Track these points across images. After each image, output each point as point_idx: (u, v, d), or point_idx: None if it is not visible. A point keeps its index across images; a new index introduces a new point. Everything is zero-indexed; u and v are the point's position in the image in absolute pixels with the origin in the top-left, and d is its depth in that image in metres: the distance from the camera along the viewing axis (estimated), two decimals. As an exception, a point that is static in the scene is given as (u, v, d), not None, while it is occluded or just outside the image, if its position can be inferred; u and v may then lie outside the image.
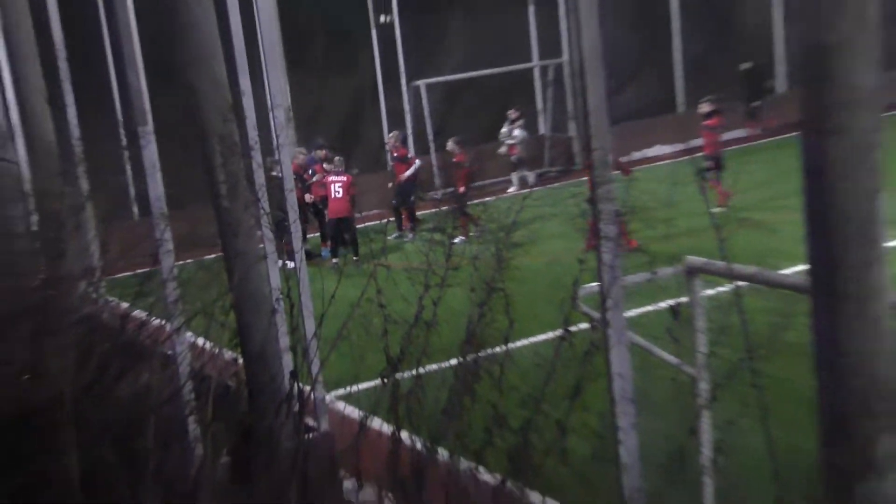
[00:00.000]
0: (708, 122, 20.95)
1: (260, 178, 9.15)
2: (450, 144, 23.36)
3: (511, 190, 24.96)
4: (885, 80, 3.96)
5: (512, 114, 25.75)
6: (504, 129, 25.28)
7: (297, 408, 5.48)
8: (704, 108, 21.63)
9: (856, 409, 4.13)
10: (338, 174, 21.35)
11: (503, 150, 25.20)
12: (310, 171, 21.93)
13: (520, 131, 25.57)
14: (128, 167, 19.14)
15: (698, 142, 24.89)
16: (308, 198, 21.65)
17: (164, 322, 8.89)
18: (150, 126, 10.70)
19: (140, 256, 10.36)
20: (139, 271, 10.72)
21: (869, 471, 3.91)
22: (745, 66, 29.49)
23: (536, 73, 28.83)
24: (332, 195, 21.18)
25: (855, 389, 4.17)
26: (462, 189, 22.28)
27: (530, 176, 25.64)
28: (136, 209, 21.02)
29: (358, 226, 21.90)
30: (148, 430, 4.96)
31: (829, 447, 4.26)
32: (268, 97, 10.71)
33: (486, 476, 4.47)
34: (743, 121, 28.27)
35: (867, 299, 4.19)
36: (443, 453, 4.55)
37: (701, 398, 7.44)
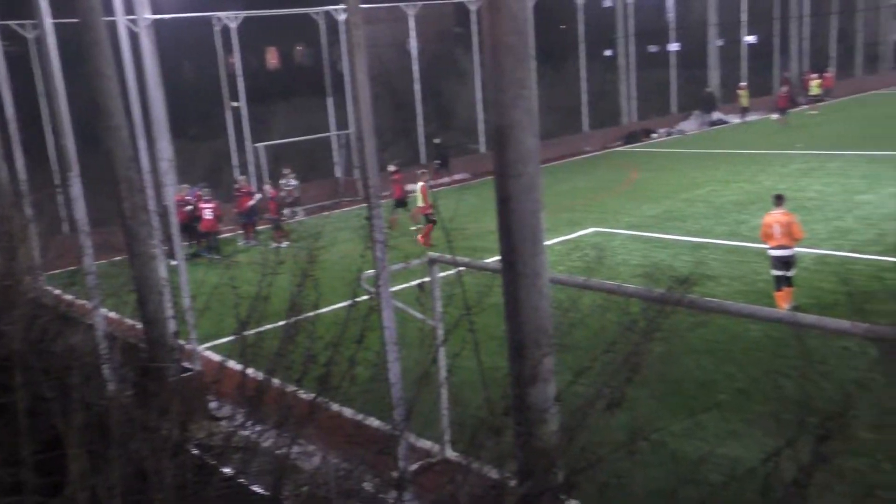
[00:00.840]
0: (394, 176, 21.20)
1: (152, 206, 8.73)
2: (266, 187, 22.87)
3: (299, 217, 24.16)
4: (542, 145, 4.09)
5: (286, 170, 24.63)
6: (283, 181, 24.06)
7: (178, 355, 5.19)
8: (391, 168, 21.87)
9: (529, 342, 4.24)
10: (207, 202, 20.83)
11: (283, 193, 23.59)
12: (190, 199, 21.12)
13: (293, 181, 24.33)
14: (61, 199, 17.95)
15: (437, 181, 25.52)
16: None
17: (86, 301, 8.36)
18: (76, 172, 10.06)
19: (69, 258, 9.71)
20: (69, 268, 10.04)
21: (537, 380, 4.03)
22: (436, 140, 29.56)
23: (334, 139, 28.58)
24: (205, 216, 20.60)
25: (529, 330, 4.28)
26: (274, 214, 21.77)
27: (300, 210, 24.64)
28: (66, 227, 19.71)
29: (220, 236, 21.35)
30: (75, 373, 4.61)
31: (514, 365, 4.36)
32: (158, 154, 10.21)
33: (304, 395, 4.36)
34: (435, 174, 27.93)
35: (535, 276, 4.32)
36: (275, 381, 4.41)
37: (438, 340, 7.52)
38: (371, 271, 6.97)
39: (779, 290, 12.34)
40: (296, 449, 4.10)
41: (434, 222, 19.16)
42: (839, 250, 15.06)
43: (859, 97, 42.82)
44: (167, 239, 11.65)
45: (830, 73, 43.02)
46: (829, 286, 12.79)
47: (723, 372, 10.11)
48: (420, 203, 19.54)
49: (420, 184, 19.68)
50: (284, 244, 19.94)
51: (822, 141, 29.33)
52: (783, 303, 12.17)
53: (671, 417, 8.64)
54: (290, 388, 4.36)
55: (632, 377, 3.67)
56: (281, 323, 4.61)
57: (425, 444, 8.39)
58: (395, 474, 4.28)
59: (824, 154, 26.53)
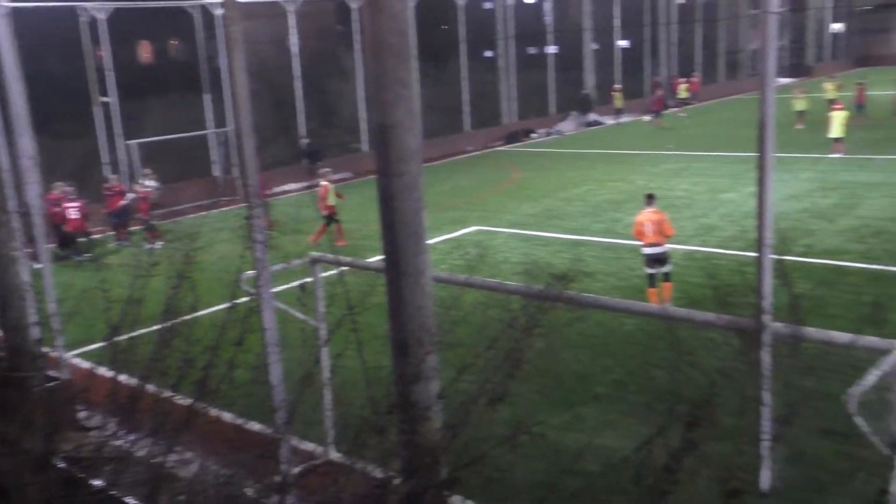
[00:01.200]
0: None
1: (11, 205, 8.21)
2: (137, 186, 21.85)
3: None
4: (424, 145, 4.11)
5: (146, 170, 23.19)
6: (143, 181, 22.21)
7: (42, 363, 4.91)
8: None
9: (412, 341, 4.26)
10: (72, 201, 19.77)
11: (142, 195, 21.53)
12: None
13: (152, 182, 22.54)
14: None
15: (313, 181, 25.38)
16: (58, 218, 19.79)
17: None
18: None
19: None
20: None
21: (420, 378, 4.05)
22: (305, 140, 28.94)
23: (211, 137, 27.74)
24: (70, 216, 19.57)
25: (412, 329, 4.29)
26: (145, 214, 20.86)
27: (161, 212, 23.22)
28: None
29: (91, 237, 20.37)
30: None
31: (398, 364, 4.36)
32: (19, 151, 9.63)
33: (181, 400, 4.21)
34: (306, 174, 27.22)
35: (418, 275, 4.34)
36: (150, 387, 4.25)
37: (321, 340, 7.44)
38: (251, 272, 6.83)
39: (652, 286, 12.88)
40: (172, 457, 3.96)
41: (338, 222, 18.79)
42: (705, 246, 15.90)
43: (722, 101, 45.34)
44: (30, 241, 11.00)
45: (696, 77, 45.38)
46: (697, 280, 13.46)
47: (600, 365, 10.47)
48: (330, 201, 19.01)
49: (323, 183, 19.20)
50: (158, 245, 19.23)
51: (689, 142, 30.87)
52: (656, 298, 12.71)
53: (552, 411, 8.88)
54: (166, 393, 4.21)
55: (513, 372, 3.75)
56: (156, 327, 4.45)
57: (308, 446, 8.29)
58: (277, 478, 4.20)
59: (692, 155, 27.94)
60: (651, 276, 12.88)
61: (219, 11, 26.35)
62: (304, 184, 26.62)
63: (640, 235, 13.02)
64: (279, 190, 26.57)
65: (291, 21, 28.91)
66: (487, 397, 3.70)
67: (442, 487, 3.62)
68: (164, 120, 26.69)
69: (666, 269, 12.88)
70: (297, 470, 7.33)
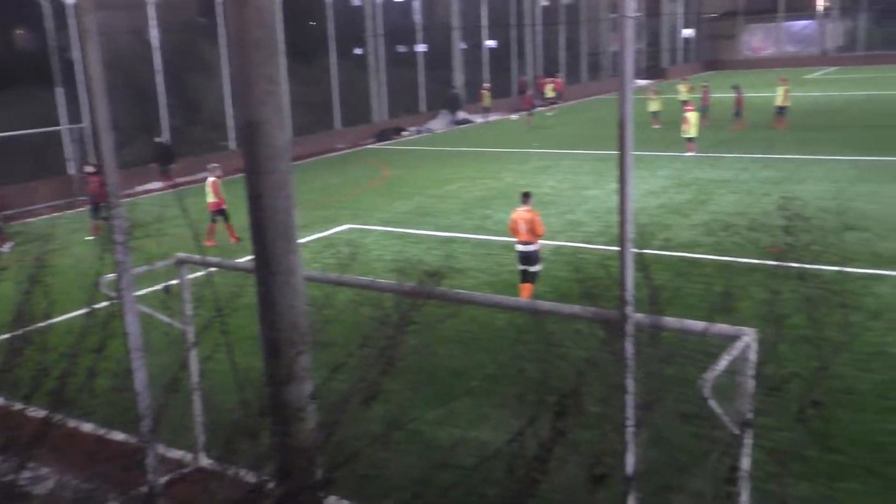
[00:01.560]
0: (91, 178, 19.74)
1: None
2: None
3: None
4: (294, 142, 4.05)
5: None
6: None
7: None
8: (89, 168, 20.59)
9: (284, 341, 4.18)
10: None
11: None
12: None
13: None
14: None
15: (179, 180, 24.95)
16: None
17: None
18: None
19: None
20: None
21: (292, 379, 3.99)
22: (159, 139, 27.48)
23: (65, 133, 26.15)
24: None
25: (283, 329, 4.22)
26: None
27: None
28: None
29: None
30: None
31: (269, 365, 4.28)
32: None
33: (34, 413, 3.96)
34: (159, 176, 26.18)
35: (289, 274, 4.27)
36: None
37: (188, 343, 7.19)
38: (112, 275, 6.51)
39: (524, 282, 13.19)
40: (25, 474, 3.72)
41: (214, 221, 18.09)
42: (572, 241, 16.44)
43: (585, 101, 47.09)
44: None
45: (560, 77, 46.91)
46: (564, 274, 13.90)
47: (473, 360, 10.63)
48: (211, 199, 18.22)
49: (210, 178, 18.38)
50: (6, 248, 18.00)
51: (555, 141, 31.86)
52: (526, 295, 13.02)
53: (426, 406, 8.94)
54: (17, 406, 3.95)
55: (387, 370, 3.75)
56: (5, 336, 4.17)
57: (177, 453, 7.99)
58: (143, 489, 4.03)
59: (557, 153, 28.83)
60: (523, 272, 13.19)
61: (70, 0, 24.93)
62: (163, 184, 25.63)
63: (514, 232, 13.29)
64: (141, 189, 25.48)
65: (151, 12, 27.73)
66: (361, 396, 3.68)
67: (317, 488, 3.58)
68: (10, 114, 24.92)
69: (535, 268, 13.17)
70: (164, 479, 7.06)
